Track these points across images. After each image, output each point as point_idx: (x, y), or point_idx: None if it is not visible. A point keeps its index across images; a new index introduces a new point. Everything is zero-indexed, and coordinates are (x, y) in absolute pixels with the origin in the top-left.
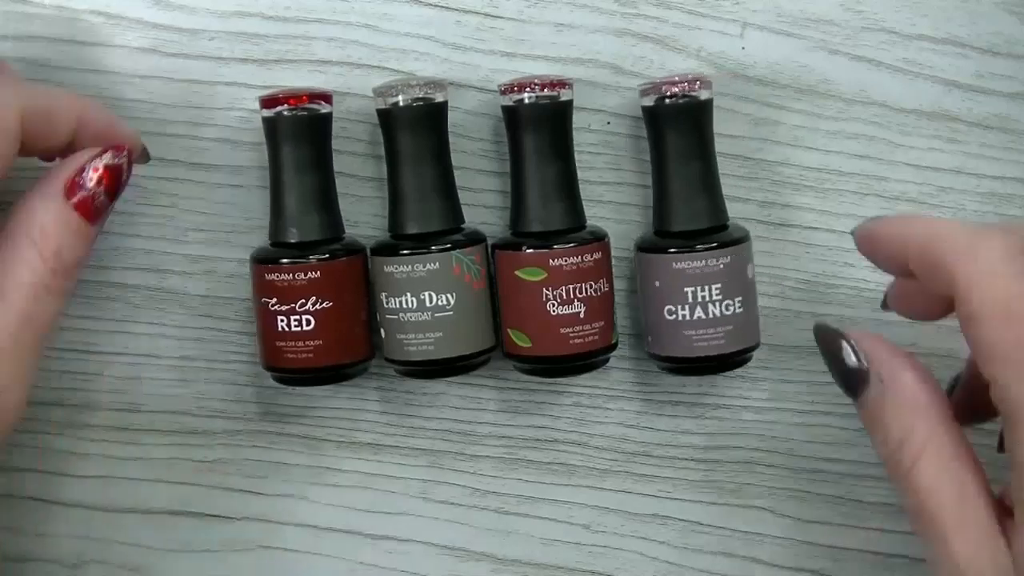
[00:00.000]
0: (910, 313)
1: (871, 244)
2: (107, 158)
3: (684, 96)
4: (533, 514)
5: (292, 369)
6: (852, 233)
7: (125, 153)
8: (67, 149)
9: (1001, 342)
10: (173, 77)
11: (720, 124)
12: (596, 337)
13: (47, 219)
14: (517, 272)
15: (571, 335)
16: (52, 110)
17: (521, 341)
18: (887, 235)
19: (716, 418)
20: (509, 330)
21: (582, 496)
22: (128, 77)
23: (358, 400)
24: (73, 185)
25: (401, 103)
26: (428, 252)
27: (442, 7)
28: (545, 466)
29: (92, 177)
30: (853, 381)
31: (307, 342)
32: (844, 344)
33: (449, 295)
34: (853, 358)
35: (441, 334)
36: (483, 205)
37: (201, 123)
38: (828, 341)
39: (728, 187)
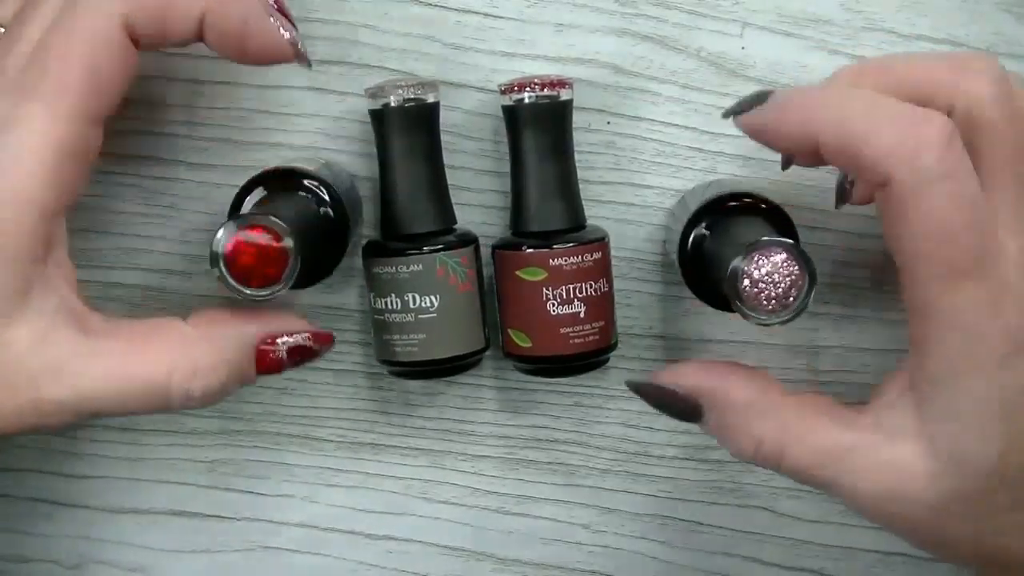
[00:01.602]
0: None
1: (765, 136)
2: (302, 339)
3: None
4: (533, 514)
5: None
6: (729, 117)
7: (327, 345)
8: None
9: (930, 256)
10: (174, 77)
11: (721, 124)
12: (596, 337)
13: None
14: (517, 272)
15: (571, 335)
16: (167, 8)
17: (521, 341)
18: (788, 127)
19: None
20: (509, 330)
21: (582, 496)
22: None
23: (358, 400)
24: (266, 348)
25: (392, 104)
26: (410, 254)
27: (442, 7)
28: (545, 466)
29: (284, 348)
30: (689, 418)
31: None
32: (666, 389)
33: (432, 297)
34: (678, 402)
35: (424, 336)
36: (483, 205)
37: (201, 123)
38: (649, 394)
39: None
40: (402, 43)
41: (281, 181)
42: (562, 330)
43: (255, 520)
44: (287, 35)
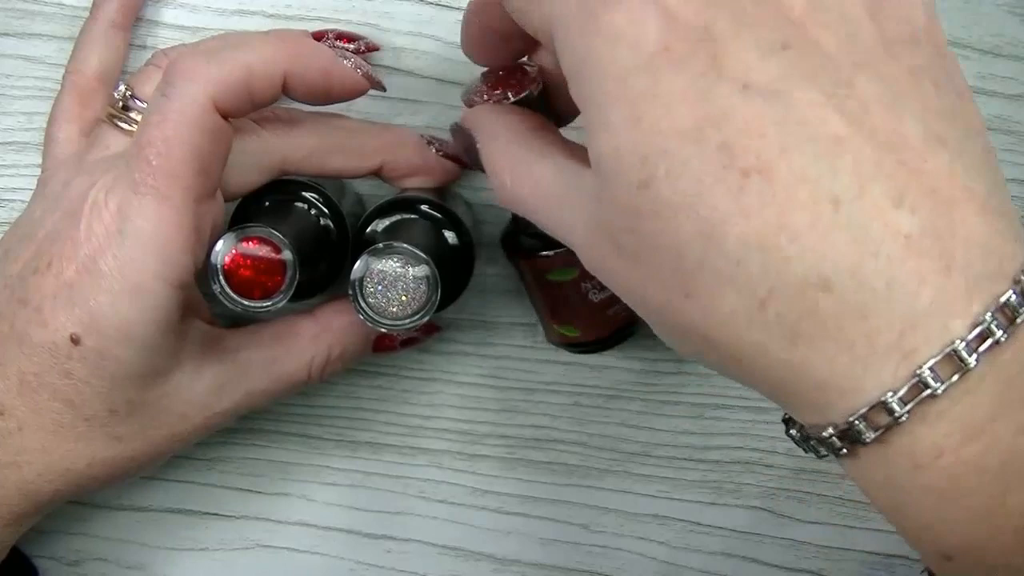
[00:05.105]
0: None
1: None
2: (414, 332)
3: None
4: (533, 514)
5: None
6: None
7: (434, 334)
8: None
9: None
10: None
11: None
12: (628, 310)
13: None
14: (549, 276)
15: (612, 313)
16: (249, 80)
17: (569, 332)
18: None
19: (716, 418)
20: (555, 325)
21: (581, 496)
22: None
23: (357, 399)
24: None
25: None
26: None
27: (443, 6)
28: (545, 466)
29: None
30: (471, 151)
31: None
32: (456, 125)
33: None
34: (461, 132)
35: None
36: (484, 204)
37: None
38: (453, 131)
39: None
40: (402, 42)
41: (280, 192)
42: (607, 312)
43: (253, 518)
44: (361, 71)
